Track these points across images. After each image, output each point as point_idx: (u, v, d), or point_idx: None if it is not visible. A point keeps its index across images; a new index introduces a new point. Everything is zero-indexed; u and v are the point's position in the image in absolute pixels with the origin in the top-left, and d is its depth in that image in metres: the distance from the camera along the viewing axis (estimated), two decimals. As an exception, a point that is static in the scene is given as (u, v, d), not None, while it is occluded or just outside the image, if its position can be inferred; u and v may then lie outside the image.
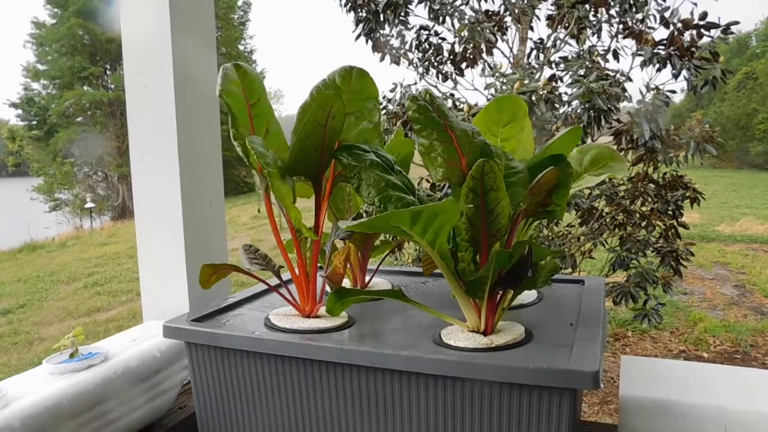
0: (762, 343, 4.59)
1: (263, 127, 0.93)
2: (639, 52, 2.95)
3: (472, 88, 3.95)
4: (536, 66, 3.64)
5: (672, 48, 2.80)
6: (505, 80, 2.86)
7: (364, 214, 1.10)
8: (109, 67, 20.23)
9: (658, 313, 3.30)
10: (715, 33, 2.80)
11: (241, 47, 24.13)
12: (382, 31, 3.88)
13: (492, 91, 3.01)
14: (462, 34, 3.57)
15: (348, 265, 1.13)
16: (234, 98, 0.88)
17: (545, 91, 2.69)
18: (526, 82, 2.81)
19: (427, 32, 3.91)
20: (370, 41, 3.91)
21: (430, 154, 0.84)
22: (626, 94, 2.89)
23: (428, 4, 3.83)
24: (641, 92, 2.96)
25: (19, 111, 20.25)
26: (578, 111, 2.72)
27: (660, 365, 1.06)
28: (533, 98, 2.66)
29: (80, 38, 19.55)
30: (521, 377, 0.72)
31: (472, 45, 3.55)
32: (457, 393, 0.78)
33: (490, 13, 3.67)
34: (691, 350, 4.49)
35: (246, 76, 0.90)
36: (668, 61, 2.81)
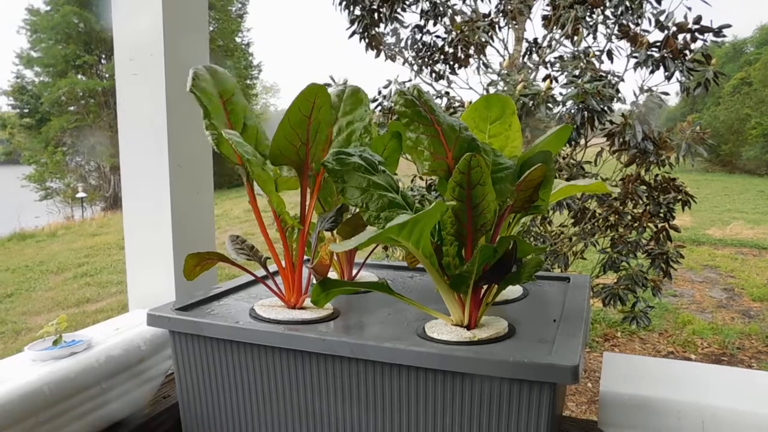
0: (748, 346, 4.64)
1: (240, 122, 0.94)
2: (633, 54, 2.96)
3: (467, 87, 3.96)
4: (531, 66, 3.65)
5: (666, 50, 2.81)
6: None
7: (351, 207, 1.10)
8: (104, 56, 20.07)
9: (647, 316, 3.32)
10: (709, 36, 2.82)
11: (237, 39, 24.01)
12: (377, 29, 3.88)
13: (493, 90, 3.01)
14: (453, 34, 3.58)
15: (335, 258, 1.13)
16: (205, 93, 0.90)
17: (547, 95, 2.70)
18: (534, 83, 2.82)
19: (421, 32, 3.91)
20: (364, 40, 3.90)
21: (416, 148, 0.84)
22: (620, 95, 2.90)
23: (420, 4, 3.83)
24: (635, 94, 2.97)
25: (11, 99, 20.06)
26: (572, 111, 2.73)
27: (640, 362, 1.07)
28: (536, 101, 2.67)
29: (75, 26, 19.38)
30: (501, 370, 0.73)
31: (462, 45, 3.55)
32: (438, 385, 0.78)
33: (480, 14, 3.68)
34: (679, 352, 4.53)
35: (216, 74, 0.93)
36: (662, 63, 2.83)
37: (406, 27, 3.93)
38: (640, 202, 3.08)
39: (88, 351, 1.00)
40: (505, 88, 2.89)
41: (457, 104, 3.38)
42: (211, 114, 0.89)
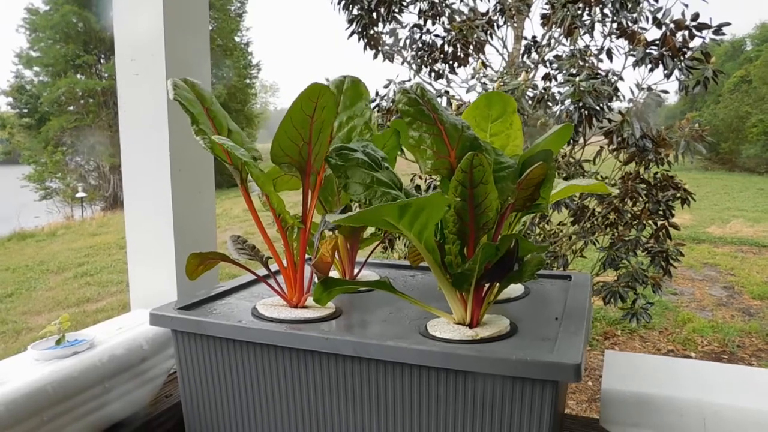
0: (749, 344, 4.64)
1: (224, 128, 0.96)
2: (631, 52, 2.96)
3: (467, 86, 3.96)
4: (531, 65, 3.65)
5: (664, 48, 2.81)
6: (486, 80, 2.87)
7: (353, 206, 1.11)
8: (103, 56, 20.06)
9: (647, 313, 3.32)
10: (707, 34, 2.81)
11: (237, 39, 23.97)
12: (375, 29, 3.88)
13: (478, 90, 3.02)
14: (451, 33, 3.58)
15: (337, 257, 1.14)
16: (189, 101, 0.91)
17: (535, 91, 2.70)
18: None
19: (420, 31, 3.91)
20: (362, 40, 3.90)
21: (419, 147, 0.85)
22: (618, 93, 2.90)
23: (418, 3, 3.83)
24: (632, 91, 2.97)
25: (10, 99, 20.04)
26: (570, 110, 2.73)
27: (642, 360, 1.07)
28: (515, 95, 2.67)
29: (74, 26, 19.35)
30: (504, 368, 0.73)
31: (460, 44, 3.55)
32: (441, 384, 0.79)
33: (478, 12, 3.68)
34: (680, 350, 4.54)
35: (194, 86, 0.95)
36: (660, 62, 2.83)
37: (405, 27, 3.94)
38: (640, 200, 3.09)
39: (90, 350, 1.01)
40: (486, 88, 2.89)
41: (455, 104, 3.38)
42: (198, 120, 0.90)
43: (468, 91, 3.06)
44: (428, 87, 3.81)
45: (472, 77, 2.95)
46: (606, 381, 0.98)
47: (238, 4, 24.03)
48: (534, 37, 3.75)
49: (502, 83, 2.74)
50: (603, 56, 3.20)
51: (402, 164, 1.22)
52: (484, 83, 2.89)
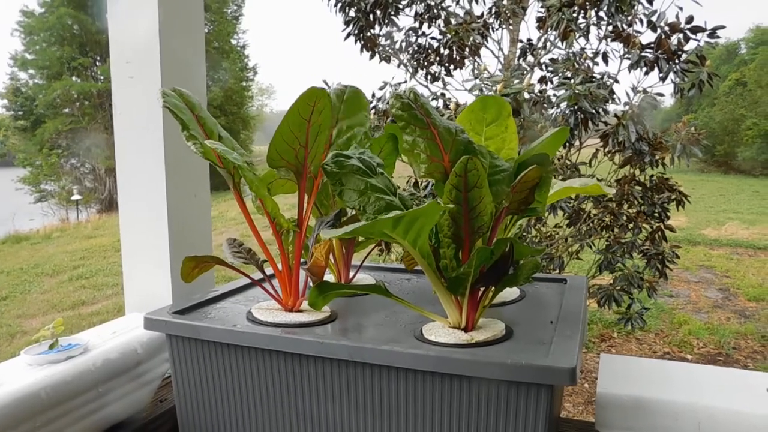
0: (744, 346, 4.66)
1: (215, 134, 0.96)
2: (627, 55, 2.97)
3: (463, 89, 3.97)
4: (526, 67, 3.65)
5: (659, 51, 2.82)
6: (489, 82, 2.87)
7: (348, 211, 1.10)
8: (98, 58, 20.01)
9: (642, 318, 3.33)
10: (702, 37, 2.83)
11: (233, 41, 23.96)
12: (372, 30, 3.89)
13: (477, 92, 3.02)
14: (447, 36, 3.59)
15: (332, 260, 1.14)
16: (178, 108, 0.91)
17: (531, 94, 2.70)
18: (515, 82, 2.82)
19: (415, 34, 3.92)
20: (359, 41, 3.91)
21: (413, 151, 0.85)
22: (614, 96, 2.91)
23: (414, 7, 3.84)
24: (627, 94, 2.98)
25: (5, 101, 19.99)
26: (566, 113, 2.74)
27: (637, 364, 1.08)
28: (518, 99, 2.68)
29: (69, 28, 19.31)
30: (499, 373, 0.73)
31: (456, 46, 3.56)
32: (436, 388, 0.78)
33: (473, 15, 3.69)
34: (675, 352, 4.55)
35: (182, 94, 0.96)
36: (656, 64, 2.84)
37: (401, 30, 3.95)
38: (635, 202, 3.09)
39: (84, 355, 1.00)
40: (487, 90, 2.89)
41: (450, 105, 3.38)
42: (189, 126, 0.90)
43: (470, 90, 3.07)
44: (424, 89, 3.82)
45: (476, 77, 2.95)
46: (601, 385, 0.98)
47: (235, 7, 24.03)
48: (529, 39, 3.76)
49: (505, 86, 2.74)
50: (599, 59, 3.21)
51: (399, 167, 1.22)
52: (488, 85, 2.89)
